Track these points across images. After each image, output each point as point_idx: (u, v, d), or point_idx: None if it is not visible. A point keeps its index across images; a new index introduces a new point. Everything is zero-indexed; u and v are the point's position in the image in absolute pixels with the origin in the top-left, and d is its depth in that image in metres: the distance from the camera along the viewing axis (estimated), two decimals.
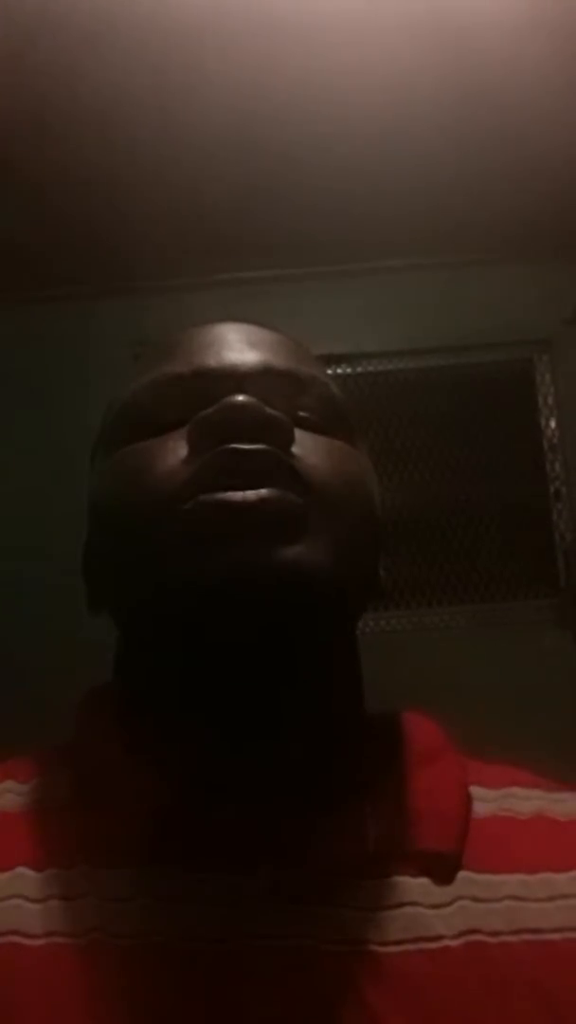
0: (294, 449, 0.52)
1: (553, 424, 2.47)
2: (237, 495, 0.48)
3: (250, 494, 0.48)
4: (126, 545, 0.53)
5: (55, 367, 2.40)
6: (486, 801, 0.55)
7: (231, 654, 0.50)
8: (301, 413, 0.55)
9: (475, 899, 0.49)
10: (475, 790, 0.55)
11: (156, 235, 2.28)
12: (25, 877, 0.49)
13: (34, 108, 1.87)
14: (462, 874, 0.50)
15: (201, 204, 2.18)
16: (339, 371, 2.44)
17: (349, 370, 2.48)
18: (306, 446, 0.53)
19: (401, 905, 0.48)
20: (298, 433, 0.53)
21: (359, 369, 2.49)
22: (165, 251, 2.33)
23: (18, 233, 2.24)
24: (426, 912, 0.48)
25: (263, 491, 0.48)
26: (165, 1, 1.63)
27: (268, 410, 0.51)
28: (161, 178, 2.09)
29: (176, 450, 0.52)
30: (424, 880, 0.49)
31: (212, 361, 0.55)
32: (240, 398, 0.50)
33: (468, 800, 0.54)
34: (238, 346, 0.56)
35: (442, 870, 0.50)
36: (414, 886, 0.49)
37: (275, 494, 0.49)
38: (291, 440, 0.52)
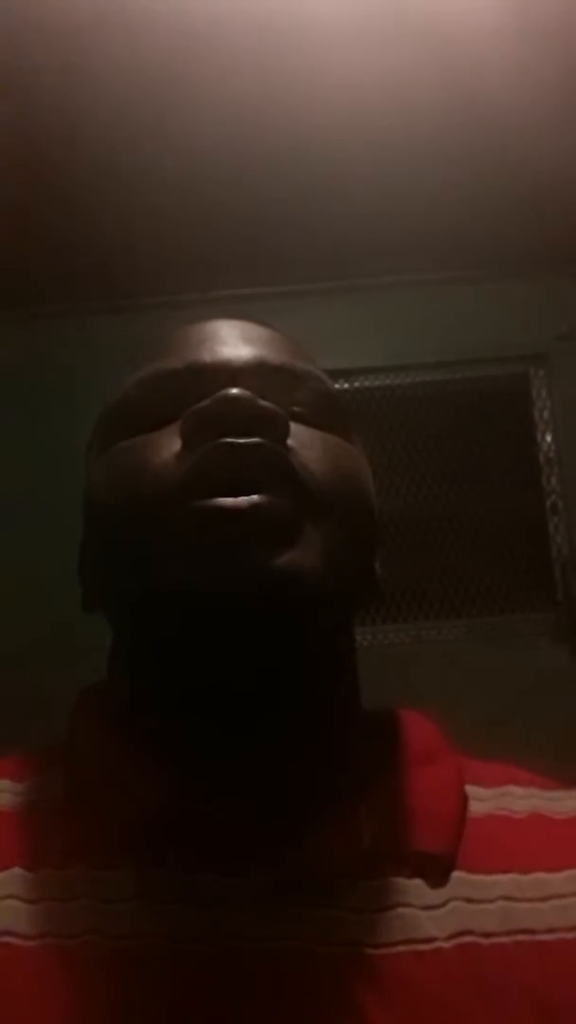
0: (289, 443, 0.51)
1: (549, 438, 2.47)
2: (228, 501, 0.47)
3: (241, 500, 0.47)
4: (118, 547, 0.52)
5: (54, 384, 2.40)
6: (482, 800, 0.55)
7: (225, 657, 0.49)
8: (296, 408, 0.54)
9: (468, 900, 0.48)
10: (471, 789, 0.55)
11: (154, 252, 2.29)
12: (19, 877, 0.48)
13: (30, 127, 1.88)
14: (456, 875, 0.49)
15: (199, 221, 2.19)
16: (336, 386, 2.42)
17: (346, 385, 2.48)
18: (301, 440, 0.52)
19: (394, 906, 0.47)
20: (293, 427, 0.52)
21: (356, 384, 2.49)
22: (164, 268, 2.34)
23: (16, 250, 2.25)
24: (419, 914, 0.47)
25: (255, 497, 0.47)
26: (161, 20, 1.65)
27: (263, 403, 0.50)
28: (159, 195, 2.10)
29: (169, 445, 0.51)
30: (418, 881, 0.49)
31: (206, 356, 0.54)
32: (234, 391, 0.49)
33: (464, 801, 0.54)
34: (232, 341, 0.55)
35: (436, 872, 0.49)
36: (408, 887, 0.48)
37: (266, 500, 0.47)
38: (286, 433, 0.51)
